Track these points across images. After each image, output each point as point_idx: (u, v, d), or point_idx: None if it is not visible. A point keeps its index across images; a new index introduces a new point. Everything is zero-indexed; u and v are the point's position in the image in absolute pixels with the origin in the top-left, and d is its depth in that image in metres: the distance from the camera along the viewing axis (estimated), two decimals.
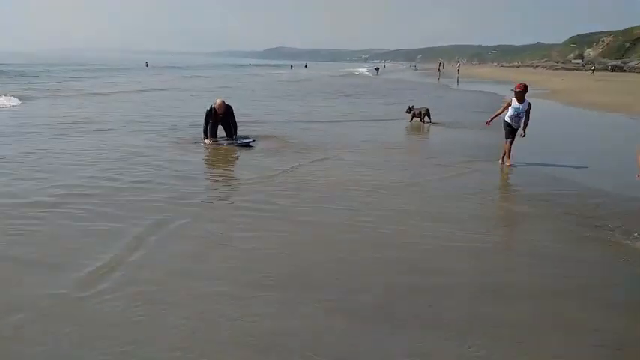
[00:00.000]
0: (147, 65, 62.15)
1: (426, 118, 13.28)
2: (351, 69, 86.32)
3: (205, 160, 8.55)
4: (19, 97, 16.79)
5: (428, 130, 12.69)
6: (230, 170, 7.92)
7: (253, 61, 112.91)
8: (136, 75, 38.70)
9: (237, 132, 9.85)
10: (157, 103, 17.33)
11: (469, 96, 25.23)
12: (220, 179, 7.21)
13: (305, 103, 18.81)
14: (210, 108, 9.59)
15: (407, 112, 13.70)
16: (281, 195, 6.09)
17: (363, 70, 76.74)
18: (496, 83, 38.56)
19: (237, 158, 8.58)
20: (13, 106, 15.20)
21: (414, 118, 13.41)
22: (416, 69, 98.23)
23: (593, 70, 65.57)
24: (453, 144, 10.41)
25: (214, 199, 6.10)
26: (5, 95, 16.64)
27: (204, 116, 9.60)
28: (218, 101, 9.76)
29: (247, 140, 9.69)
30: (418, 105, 13.88)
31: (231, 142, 9.51)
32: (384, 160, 8.58)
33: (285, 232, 4.88)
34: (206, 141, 9.41)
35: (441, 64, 66.95)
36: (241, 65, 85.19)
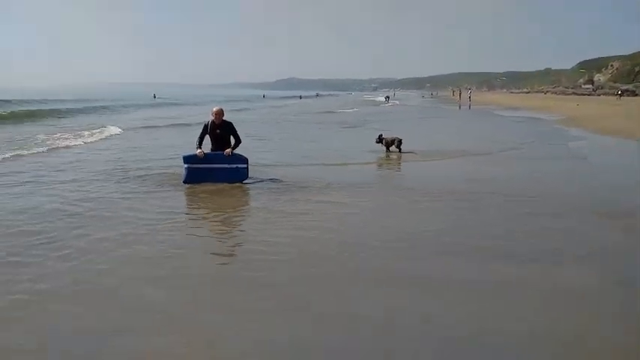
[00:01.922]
0: (155, 97, 63.48)
1: (394, 148, 12.64)
2: (369, 97, 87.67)
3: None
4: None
5: (399, 163, 11.58)
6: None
7: (267, 93, 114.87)
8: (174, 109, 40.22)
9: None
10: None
11: (517, 124, 24.90)
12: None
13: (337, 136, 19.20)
14: (208, 122, 8.70)
15: (377, 142, 12.93)
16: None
17: (381, 98, 77.55)
18: (513, 110, 39.48)
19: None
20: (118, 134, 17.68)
21: (389, 148, 12.69)
22: (432, 96, 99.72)
23: (620, 94, 64.39)
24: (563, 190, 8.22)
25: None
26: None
27: (200, 130, 8.72)
28: (215, 109, 8.71)
29: (242, 165, 8.53)
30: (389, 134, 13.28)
31: (221, 167, 8.44)
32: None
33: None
34: (198, 150, 8.43)
35: (458, 92, 68.57)
36: (256, 97, 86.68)
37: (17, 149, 12.77)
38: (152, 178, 9.05)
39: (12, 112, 28.28)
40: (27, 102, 39.99)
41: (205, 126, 8.66)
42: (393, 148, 12.79)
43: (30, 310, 3.81)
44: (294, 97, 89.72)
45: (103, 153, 12.74)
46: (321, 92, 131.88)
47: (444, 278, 4.47)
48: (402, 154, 12.52)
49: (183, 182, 8.39)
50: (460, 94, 64.69)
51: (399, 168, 11.39)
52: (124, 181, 8.79)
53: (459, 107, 46.03)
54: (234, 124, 8.80)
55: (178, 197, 7.74)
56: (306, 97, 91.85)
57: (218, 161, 8.51)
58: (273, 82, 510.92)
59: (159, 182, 8.65)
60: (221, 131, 8.60)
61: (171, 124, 22.82)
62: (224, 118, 8.73)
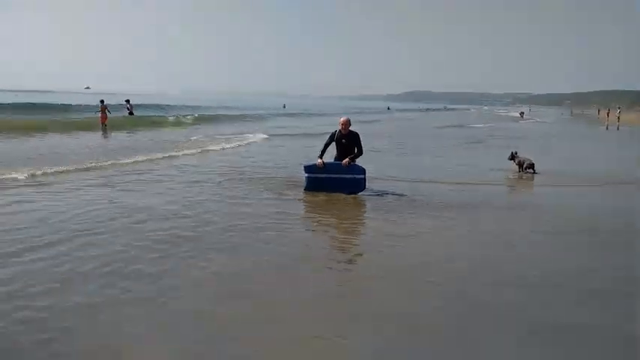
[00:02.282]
0: (284, 107, 66.02)
1: (530, 170, 11.65)
2: (502, 112, 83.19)
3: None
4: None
5: (532, 187, 10.62)
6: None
7: (392, 105, 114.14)
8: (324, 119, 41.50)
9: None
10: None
11: None
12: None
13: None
14: (335, 131, 8.83)
15: (509, 159, 12.14)
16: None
17: (516, 114, 72.58)
18: None
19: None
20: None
21: (521, 169, 11.78)
22: (572, 115, 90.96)
23: None
24: None
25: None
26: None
27: (327, 139, 8.88)
28: (342, 119, 8.89)
29: (360, 175, 8.52)
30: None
31: (337, 176, 8.50)
32: None
33: None
34: (319, 160, 8.60)
35: (606, 111, 62.24)
36: (381, 109, 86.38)
37: (171, 151, 14.11)
38: (278, 183, 9.47)
39: (177, 117, 31.14)
40: (181, 107, 43.89)
41: (332, 135, 8.83)
42: (524, 169, 11.87)
43: (150, 307, 4.02)
44: (420, 109, 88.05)
45: (244, 157, 13.48)
46: (449, 105, 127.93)
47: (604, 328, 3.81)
48: (535, 177, 11.46)
49: (304, 190, 8.69)
50: (608, 113, 58.34)
51: (531, 193, 10.39)
52: (250, 184, 9.30)
53: (607, 127, 41.48)
54: (359, 136, 8.82)
55: (296, 204, 7.91)
56: (433, 110, 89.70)
57: (336, 171, 8.63)
58: (399, 95, 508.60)
59: (284, 188, 8.99)
60: (346, 141, 8.72)
61: (303, 133, 23.67)
62: (350, 128, 8.81)
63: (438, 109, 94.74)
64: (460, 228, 6.63)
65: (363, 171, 8.62)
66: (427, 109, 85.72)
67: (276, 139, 20.16)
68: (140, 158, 12.30)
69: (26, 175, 9.20)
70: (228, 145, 16.49)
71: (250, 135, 20.59)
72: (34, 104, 34.98)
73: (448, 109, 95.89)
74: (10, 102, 34.92)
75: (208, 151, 14.88)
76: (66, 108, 32.76)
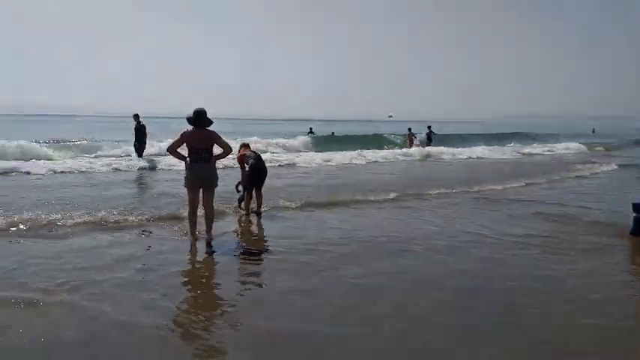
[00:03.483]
0: (593, 132, 59.01)
1: None
2: None
3: None
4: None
5: None
6: None
7: None
8: None
9: None
10: None
11: None
12: None
13: None
14: None
15: None
16: None
17: None
18: None
19: None
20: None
21: None
22: None
23: None
24: None
25: None
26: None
27: None
28: None
29: None
30: None
31: None
32: None
33: None
34: None
35: None
36: None
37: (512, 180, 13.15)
38: (607, 227, 7.89)
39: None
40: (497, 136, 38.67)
41: None
42: None
43: None
44: None
45: (578, 191, 12.17)
46: None
47: None
48: None
49: (630, 234, 7.30)
50: None
51: None
52: (574, 225, 8.09)
53: None
54: None
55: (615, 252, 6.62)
56: None
57: None
58: None
59: (601, 228, 7.79)
60: None
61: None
62: None
63: None
64: None
65: None
66: None
67: (628, 170, 17.49)
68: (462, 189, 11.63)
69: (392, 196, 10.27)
70: (568, 175, 15.51)
71: (597, 164, 18.54)
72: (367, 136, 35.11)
73: None
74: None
75: (535, 183, 13.44)
76: (377, 138, 32.37)
